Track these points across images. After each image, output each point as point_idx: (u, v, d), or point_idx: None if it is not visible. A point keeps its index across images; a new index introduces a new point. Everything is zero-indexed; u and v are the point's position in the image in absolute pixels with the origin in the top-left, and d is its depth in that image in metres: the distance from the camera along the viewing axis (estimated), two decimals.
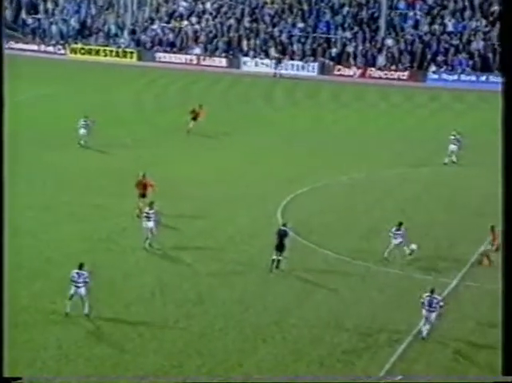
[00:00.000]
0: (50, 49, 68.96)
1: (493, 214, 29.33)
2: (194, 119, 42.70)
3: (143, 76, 61.97)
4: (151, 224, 26.93)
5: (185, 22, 70.02)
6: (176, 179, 34.50)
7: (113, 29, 70.57)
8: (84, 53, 68.51)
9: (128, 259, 26.49)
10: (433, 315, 21.11)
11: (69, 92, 54.30)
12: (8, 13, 71.49)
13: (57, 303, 22.36)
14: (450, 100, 55.16)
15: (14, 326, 20.42)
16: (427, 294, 21.32)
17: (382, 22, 64.40)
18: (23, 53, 67.40)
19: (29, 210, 30.04)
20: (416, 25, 64.20)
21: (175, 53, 67.71)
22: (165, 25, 70.17)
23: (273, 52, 65.38)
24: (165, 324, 22.05)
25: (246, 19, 68.52)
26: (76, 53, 68.60)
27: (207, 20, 69.52)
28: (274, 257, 25.49)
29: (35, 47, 69.18)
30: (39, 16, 72.04)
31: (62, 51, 68.69)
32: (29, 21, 71.63)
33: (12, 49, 68.08)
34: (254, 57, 65.57)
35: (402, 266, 26.24)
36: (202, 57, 66.54)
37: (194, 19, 70.04)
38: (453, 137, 38.67)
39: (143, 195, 29.51)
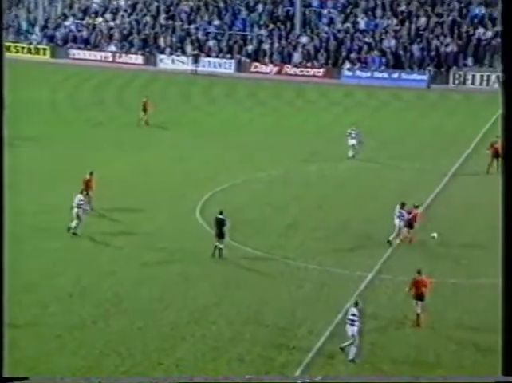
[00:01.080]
0: None
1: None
2: (145, 110, 44.33)
3: (57, 73, 60.84)
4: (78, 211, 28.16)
5: (99, 19, 69.09)
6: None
7: (24, 25, 69.04)
8: None
9: (45, 258, 26.01)
10: (355, 330, 20.10)
11: None
12: None
13: None
14: (364, 96, 56.15)
15: None
16: (351, 307, 20.56)
17: (297, 20, 65.02)
18: None
19: None
20: (330, 23, 65.10)
21: (89, 50, 66.73)
22: (79, 21, 69.05)
23: (189, 49, 65.20)
24: (83, 324, 21.76)
25: (162, 16, 68.09)
26: None
27: (122, 17, 68.76)
28: (216, 244, 26.27)
29: None
30: None
31: None
32: None
33: None
34: (171, 54, 65.23)
35: (320, 261, 26.61)
36: (117, 55, 65.79)
37: (108, 16, 69.17)
38: (351, 132, 38.99)
39: (84, 192, 29.71)
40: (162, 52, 65.55)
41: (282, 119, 49.09)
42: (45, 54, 66.75)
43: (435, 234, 27.62)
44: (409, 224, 28.06)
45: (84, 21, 68.96)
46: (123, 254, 26.81)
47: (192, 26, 66.86)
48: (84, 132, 43.81)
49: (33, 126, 44.46)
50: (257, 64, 63.50)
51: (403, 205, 28.23)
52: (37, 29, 68.69)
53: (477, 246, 28.22)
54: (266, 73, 62.80)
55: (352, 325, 20.25)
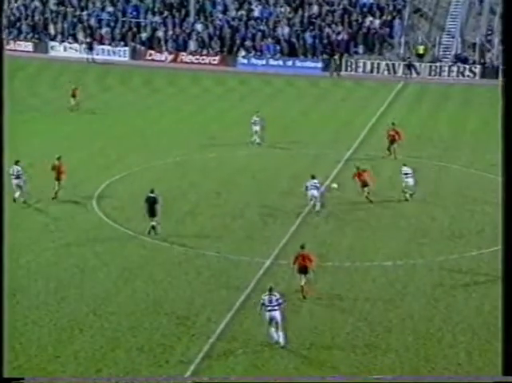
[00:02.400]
0: None
1: (300, 194, 30.65)
2: (74, 97, 45.40)
3: None
4: (19, 181, 29.95)
5: None
6: None
7: None
8: None
9: None
10: (277, 314, 20.14)
11: None
12: None
13: None
14: (259, 84, 56.54)
15: None
16: (265, 294, 20.55)
17: (191, 7, 64.71)
18: None
19: None
20: (225, 11, 65.11)
21: None
22: None
23: (81, 36, 63.87)
24: None
25: (52, 2, 66.39)
26: None
27: (9, 2, 66.62)
28: (152, 223, 27.02)
29: None
30: None
31: None
32: None
33: None
34: (62, 41, 63.76)
35: (218, 248, 26.68)
36: (4, 41, 63.68)
37: None
38: (256, 119, 39.36)
39: (58, 179, 30.63)
40: (53, 39, 63.97)
41: (178, 106, 48.86)
42: None
43: (335, 185, 31.14)
44: (364, 184, 31.08)
45: None
46: (16, 245, 26.09)
47: (84, 13, 65.51)
48: None
49: None
50: (152, 52, 62.89)
51: (313, 177, 30.24)
52: None
53: (370, 226, 28.99)
54: (162, 61, 62.30)
55: (272, 310, 20.20)
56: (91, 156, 36.85)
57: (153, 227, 27.14)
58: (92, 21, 64.81)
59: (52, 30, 64.53)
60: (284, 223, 28.82)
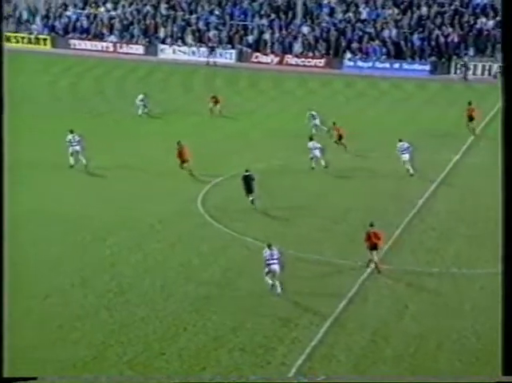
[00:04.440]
0: None
1: (405, 198, 29.92)
2: (215, 103, 45.45)
3: (57, 63, 60.76)
4: (78, 148, 34.43)
5: (101, 9, 68.99)
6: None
7: (25, 14, 68.91)
8: None
9: (49, 251, 26.07)
10: (276, 267, 22.80)
11: None
12: None
13: None
14: (365, 86, 56.05)
15: None
16: (265, 250, 23.00)
17: (298, 10, 64.85)
18: None
19: None
20: (331, 13, 64.92)
21: (89, 40, 66.61)
22: (80, 11, 68.94)
23: (190, 39, 65.05)
24: (86, 314, 21.83)
25: (163, 6, 67.95)
26: None
27: (123, 6, 68.63)
28: (250, 198, 29.76)
29: None
30: None
31: None
32: None
33: None
34: (172, 44, 65.13)
35: (320, 251, 26.57)
36: (118, 45, 65.69)
37: (109, 5, 69.07)
38: (311, 115, 41.34)
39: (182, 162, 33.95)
40: (163, 42, 65.45)
41: (284, 108, 48.97)
42: (45, 44, 66.63)
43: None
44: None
45: (85, 11, 68.84)
46: (124, 246, 26.83)
47: (193, 16, 66.72)
48: (85, 122, 43.74)
49: (33, 117, 44.46)
50: (258, 54, 63.38)
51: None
52: (37, 18, 68.57)
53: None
54: (267, 63, 62.69)
55: (273, 264, 22.87)
56: (196, 157, 37.40)
57: (252, 202, 29.73)
58: (201, 25, 65.91)
59: (162, 34, 66.04)
60: (387, 227, 28.47)
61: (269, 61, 63.00)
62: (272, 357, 20.00)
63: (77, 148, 34.41)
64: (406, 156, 33.17)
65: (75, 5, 69.61)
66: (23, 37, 66.62)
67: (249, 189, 29.88)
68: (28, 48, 65.39)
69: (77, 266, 24.89)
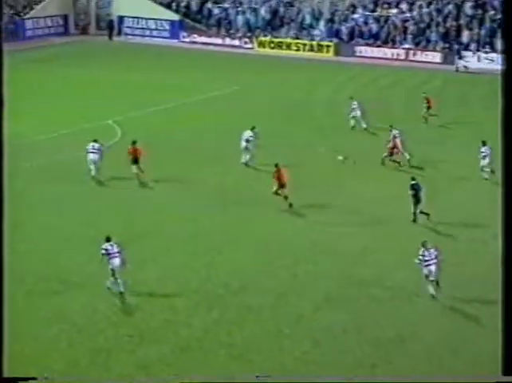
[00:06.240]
0: (235, 42, 60.64)
1: None
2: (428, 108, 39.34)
3: (340, 73, 51.90)
4: (95, 156, 30.30)
5: (393, 10, 58.88)
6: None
7: (308, 18, 60.88)
8: (273, 47, 59.45)
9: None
10: (433, 268, 20.70)
11: (256, 89, 46.10)
12: (193, 3, 64.39)
13: None
14: None
15: None
16: (421, 250, 20.82)
17: None
18: (206, 47, 60.07)
19: None
20: None
21: (378, 46, 56.85)
22: (369, 13, 59.42)
23: (499, 44, 52.37)
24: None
25: (468, 4, 56.07)
26: (264, 46, 59.71)
27: (420, 6, 57.84)
28: (414, 211, 26.64)
29: (219, 41, 61.13)
30: (226, 5, 63.91)
31: (249, 45, 60.09)
32: (215, 11, 63.69)
33: (194, 42, 61.28)
34: (477, 50, 53.11)
35: None
36: (411, 52, 55.16)
37: (404, 6, 58.68)
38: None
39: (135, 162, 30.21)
40: (465, 48, 53.68)
41: None
42: (328, 52, 58.11)
43: (341, 157, 31.22)
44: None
45: (375, 14, 59.20)
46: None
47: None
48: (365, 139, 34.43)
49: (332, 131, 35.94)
50: None
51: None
52: (321, 23, 60.19)
53: None
54: None
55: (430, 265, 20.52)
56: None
57: (425, 213, 26.64)
58: None
59: (464, 38, 54.34)
60: None
61: None
62: None
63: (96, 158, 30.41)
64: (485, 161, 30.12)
65: (364, 7, 60.12)
66: (304, 44, 58.67)
67: (417, 200, 26.85)
68: (309, 56, 57.26)
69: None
